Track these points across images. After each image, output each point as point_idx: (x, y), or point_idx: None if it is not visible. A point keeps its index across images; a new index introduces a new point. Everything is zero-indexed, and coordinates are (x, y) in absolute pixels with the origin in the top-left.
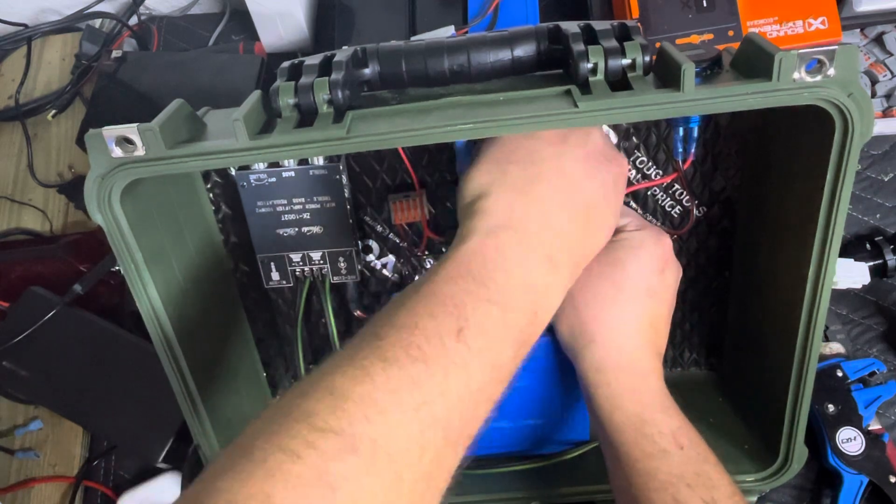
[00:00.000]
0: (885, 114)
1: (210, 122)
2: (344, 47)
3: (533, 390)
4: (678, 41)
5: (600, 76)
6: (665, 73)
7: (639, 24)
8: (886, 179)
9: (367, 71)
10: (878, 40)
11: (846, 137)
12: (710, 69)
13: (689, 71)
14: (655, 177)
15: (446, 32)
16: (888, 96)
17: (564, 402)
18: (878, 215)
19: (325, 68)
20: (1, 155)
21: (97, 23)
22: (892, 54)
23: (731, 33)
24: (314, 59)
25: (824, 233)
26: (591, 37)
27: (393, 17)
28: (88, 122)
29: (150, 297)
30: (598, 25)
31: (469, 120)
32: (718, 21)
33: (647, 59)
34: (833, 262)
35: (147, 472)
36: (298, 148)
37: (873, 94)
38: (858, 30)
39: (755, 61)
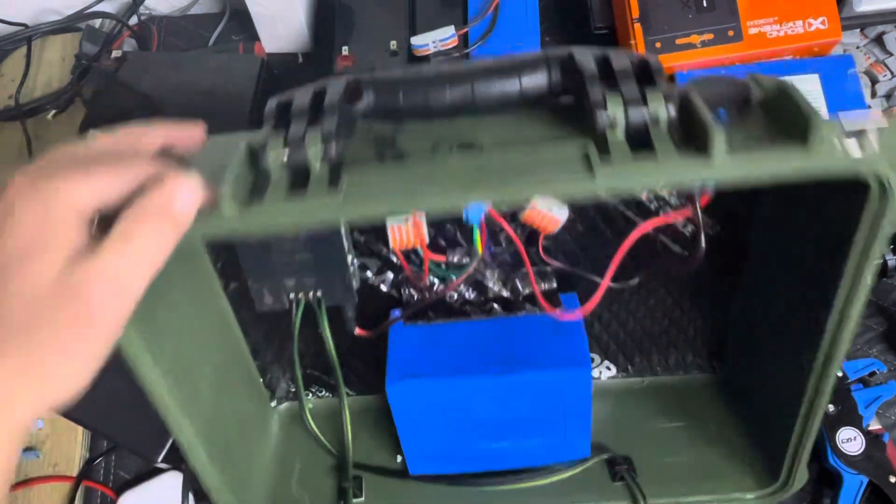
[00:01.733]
0: (885, 114)
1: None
2: (333, 81)
3: (523, 411)
4: (678, 40)
5: (620, 133)
6: (690, 129)
7: (657, 57)
8: None
9: (361, 104)
10: (878, 40)
11: (882, 213)
12: (739, 110)
13: (718, 138)
14: (665, 211)
15: (446, 32)
16: (888, 96)
17: (560, 423)
18: None
19: (317, 109)
20: (1, 155)
21: (97, 23)
22: (892, 54)
23: (731, 33)
24: (303, 97)
25: (848, 292)
26: (608, 74)
27: (393, 17)
28: (88, 122)
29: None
30: (617, 60)
31: (475, 190)
32: (718, 21)
33: (672, 112)
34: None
35: (147, 472)
36: (291, 220)
37: (873, 94)
38: (858, 30)
39: (790, 119)
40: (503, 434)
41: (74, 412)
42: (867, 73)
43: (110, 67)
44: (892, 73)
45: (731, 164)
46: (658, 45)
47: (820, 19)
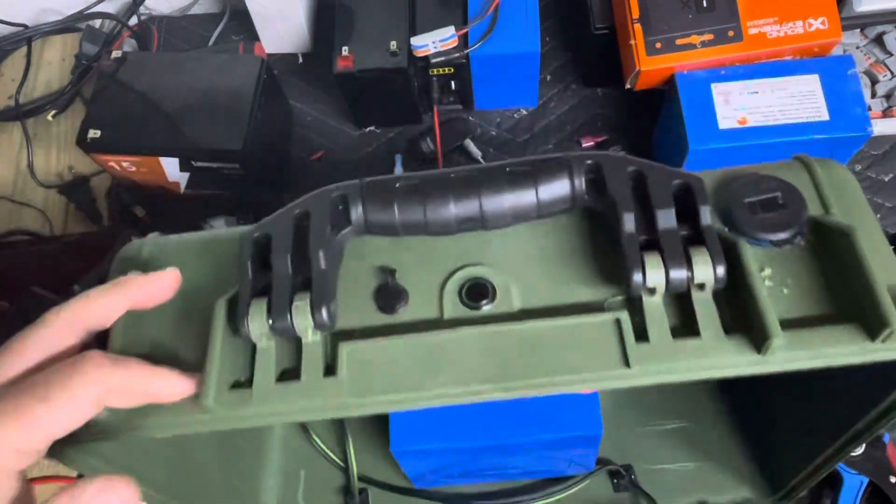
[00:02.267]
0: (885, 114)
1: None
2: (316, 200)
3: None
4: (679, 40)
5: (658, 298)
6: (740, 296)
7: (702, 183)
8: (886, 179)
9: (351, 219)
10: (878, 40)
11: None
12: (791, 241)
13: (778, 341)
14: None
15: (446, 32)
16: (888, 96)
17: (567, 460)
18: (878, 215)
19: (300, 248)
20: (1, 155)
21: (97, 23)
22: (892, 54)
23: (731, 33)
24: (284, 234)
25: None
26: (644, 206)
27: (393, 17)
28: (88, 122)
29: None
30: (655, 185)
31: (495, 383)
32: (718, 21)
33: (719, 272)
34: None
35: None
36: (285, 412)
37: (873, 94)
38: (858, 30)
39: (853, 286)
40: (511, 466)
41: None
42: (867, 73)
43: (110, 67)
44: (892, 73)
45: (787, 360)
46: (658, 45)
47: (820, 19)
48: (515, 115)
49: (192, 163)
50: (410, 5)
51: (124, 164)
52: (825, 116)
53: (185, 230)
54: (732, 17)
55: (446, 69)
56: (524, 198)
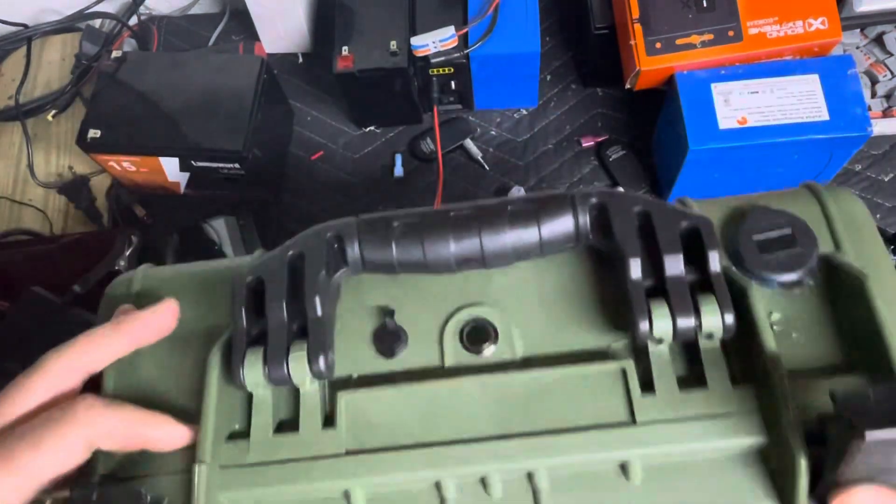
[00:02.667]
0: (885, 114)
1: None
2: (311, 239)
3: None
4: (679, 40)
5: (664, 354)
6: (746, 354)
7: (712, 231)
8: (886, 179)
9: (347, 259)
10: (878, 40)
11: None
12: (801, 283)
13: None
14: None
15: (446, 32)
16: (888, 96)
17: None
18: (878, 215)
19: (296, 292)
20: (1, 155)
21: (97, 23)
22: (892, 54)
23: (731, 33)
24: (278, 280)
25: None
26: (651, 249)
27: (393, 17)
28: (88, 122)
29: None
30: (662, 226)
31: (502, 456)
32: (718, 21)
33: (728, 320)
34: None
35: None
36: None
37: (873, 94)
38: (858, 30)
39: (861, 340)
40: None
41: None
42: (867, 73)
43: (110, 67)
44: (892, 73)
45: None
46: (658, 45)
47: (820, 19)
48: (515, 115)
49: (192, 163)
50: (410, 5)
51: (124, 164)
52: (825, 116)
53: (185, 230)
54: (732, 17)
55: (446, 69)
56: (526, 237)
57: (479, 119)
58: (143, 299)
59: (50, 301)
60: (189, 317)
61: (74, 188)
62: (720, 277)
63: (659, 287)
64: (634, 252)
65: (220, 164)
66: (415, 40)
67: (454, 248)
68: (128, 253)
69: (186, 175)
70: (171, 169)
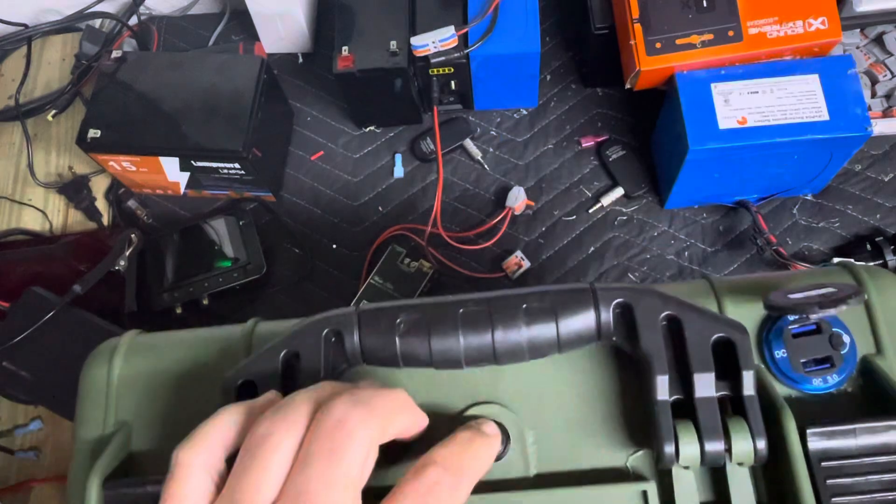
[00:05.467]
0: (885, 114)
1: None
2: (306, 335)
3: None
4: (679, 40)
5: (689, 478)
6: (775, 479)
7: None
8: (886, 179)
9: (346, 353)
10: (878, 40)
11: None
12: (837, 387)
13: None
14: None
15: (446, 32)
16: (888, 96)
17: None
18: (878, 215)
19: (290, 392)
20: (1, 155)
21: (97, 23)
22: (892, 54)
23: (731, 33)
24: (271, 385)
25: None
26: (679, 358)
27: (393, 17)
28: (88, 122)
29: None
30: (693, 337)
31: None
32: (718, 21)
33: (759, 445)
34: None
35: None
36: None
37: (873, 94)
38: (858, 30)
39: None
40: None
41: (74, 413)
42: (867, 73)
43: (110, 67)
44: (892, 73)
45: None
46: (658, 45)
47: (820, 19)
48: (515, 115)
49: (192, 163)
50: (410, 5)
51: (124, 164)
52: (825, 116)
53: (185, 230)
54: (732, 17)
55: (446, 69)
56: (543, 335)
57: (479, 119)
58: (131, 368)
59: (50, 301)
60: (179, 392)
61: (74, 188)
62: (754, 401)
63: (686, 403)
64: (662, 369)
65: (220, 164)
66: (415, 40)
67: (464, 345)
68: (128, 253)
69: (186, 175)
70: (171, 169)
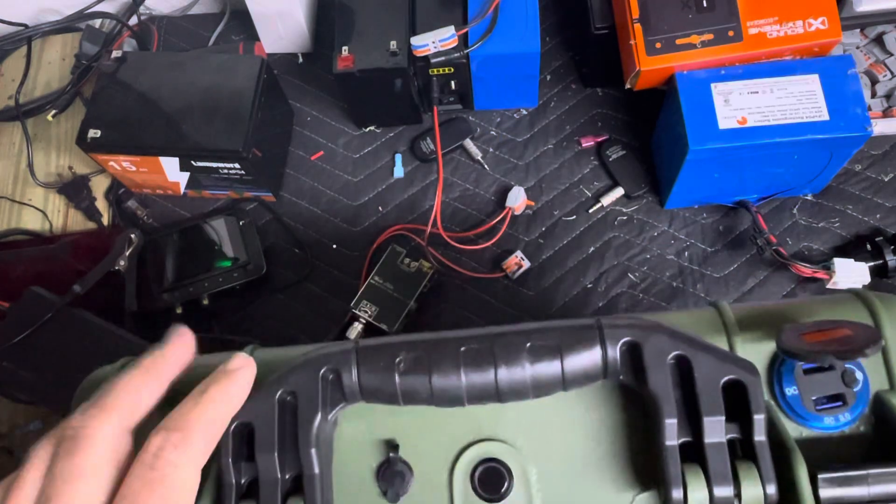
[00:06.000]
0: (885, 114)
1: None
2: (303, 374)
3: None
4: (679, 40)
5: None
6: None
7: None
8: (886, 179)
9: (345, 392)
10: (878, 40)
11: None
12: (849, 424)
13: None
14: None
15: (446, 32)
16: (888, 96)
17: None
18: (878, 215)
19: (289, 438)
20: (1, 155)
21: (97, 23)
22: (892, 54)
23: (731, 33)
24: (268, 426)
25: None
26: (687, 400)
27: (393, 17)
28: (88, 122)
29: None
30: (703, 380)
31: None
32: (718, 21)
33: (769, 490)
34: None
35: None
36: None
37: (873, 94)
38: (858, 30)
39: None
40: None
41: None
42: (867, 73)
43: (110, 67)
44: (892, 73)
45: None
46: (658, 45)
47: (820, 19)
48: (515, 115)
49: (192, 163)
50: (410, 5)
51: (124, 164)
52: (825, 116)
53: (185, 230)
54: (732, 17)
55: (446, 69)
56: (547, 373)
57: (479, 119)
58: None
59: (50, 301)
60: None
61: (74, 188)
62: (764, 445)
63: (695, 445)
64: (671, 412)
65: (220, 164)
66: (415, 40)
67: (465, 384)
68: (128, 253)
69: (186, 175)
70: (171, 169)
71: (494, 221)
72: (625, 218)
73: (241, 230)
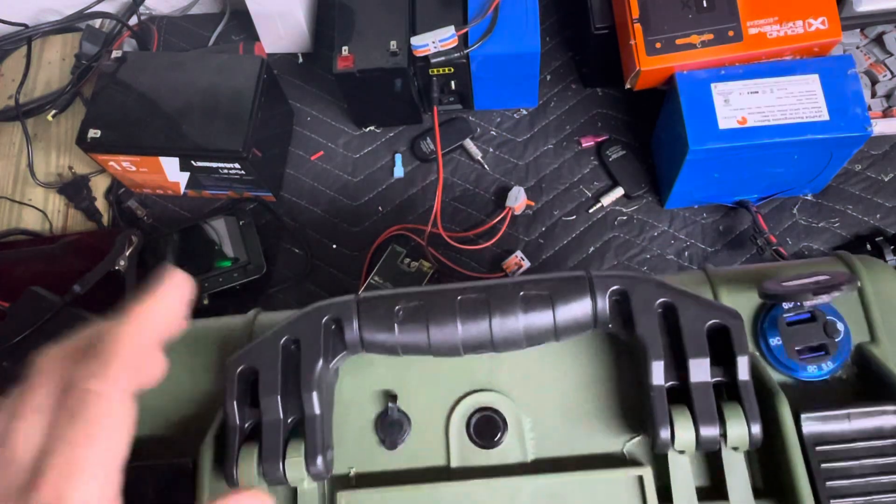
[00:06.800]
0: (885, 114)
1: None
2: (305, 322)
3: None
4: (679, 40)
5: (685, 463)
6: (771, 464)
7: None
8: (886, 179)
9: (346, 342)
10: (878, 40)
11: None
12: (832, 374)
13: None
14: None
15: (446, 32)
16: (888, 96)
17: None
18: (878, 215)
19: (291, 382)
20: (1, 155)
21: (97, 23)
22: (892, 54)
23: (731, 33)
24: (271, 370)
25: None
26: (674, 345)
27: (393, 17)
28: (88, 122)
29: None
30: (688, 324)
31: None
32: (718, 21)
33: (754, 429)
34: None
35: None
36: None
37: (873, 94)
38: (858, 30)
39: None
40: None
41: None
42: (867, 73)
43: (110, 67)
44: (892, 73)
45: None
46: (658, 44)
47: (820, 19)
48: (515, 115)
49: (192, 163)
50: (410, 5)
51: (124, 164)
52: (825, 116)
53: (185, 230)
54: (732, 17)
55: (446, 69)
56: (539, 322)
57: (479, 119)
58: None
59: (50, 301)
60: (182, 380)
61: (74, 188)
62: (749, 386)
63: (682, 389)
64: (657, 354)
65: (220, 164)
66: (415, 40)
67: (462, 333)
68: (128, 253)
69: (186, 175)
70: (171, 169)
71: (494, 221)
72: (625, 218)
73: (241, 230)
